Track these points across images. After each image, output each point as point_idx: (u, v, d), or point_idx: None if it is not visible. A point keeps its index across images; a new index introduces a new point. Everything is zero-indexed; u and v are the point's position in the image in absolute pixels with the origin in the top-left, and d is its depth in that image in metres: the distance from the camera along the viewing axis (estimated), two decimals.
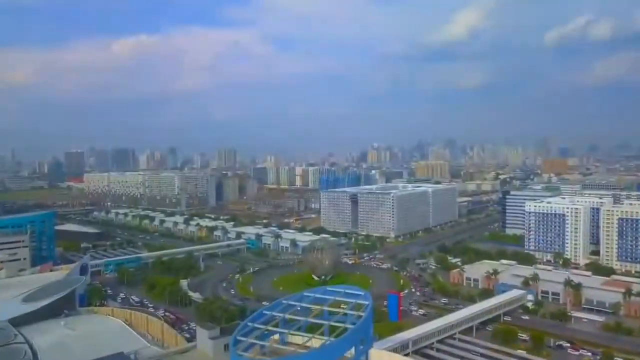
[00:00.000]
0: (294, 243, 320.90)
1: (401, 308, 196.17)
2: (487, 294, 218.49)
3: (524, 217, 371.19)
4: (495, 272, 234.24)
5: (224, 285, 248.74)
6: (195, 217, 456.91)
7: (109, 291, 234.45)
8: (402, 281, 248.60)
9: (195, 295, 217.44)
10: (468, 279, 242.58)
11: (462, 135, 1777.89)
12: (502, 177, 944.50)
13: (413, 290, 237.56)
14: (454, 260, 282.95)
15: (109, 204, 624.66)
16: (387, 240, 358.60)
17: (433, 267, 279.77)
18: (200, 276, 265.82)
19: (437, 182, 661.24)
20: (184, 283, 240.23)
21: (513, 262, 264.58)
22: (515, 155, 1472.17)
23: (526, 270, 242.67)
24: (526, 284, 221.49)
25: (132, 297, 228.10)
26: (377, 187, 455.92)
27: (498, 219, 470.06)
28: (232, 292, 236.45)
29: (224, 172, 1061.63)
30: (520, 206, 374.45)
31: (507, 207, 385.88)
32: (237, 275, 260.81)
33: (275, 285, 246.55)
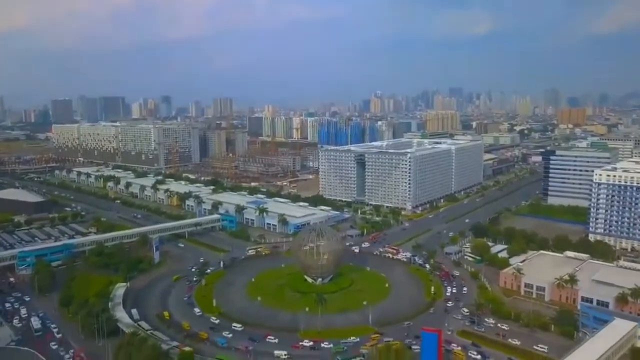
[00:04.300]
0: (283, 221, 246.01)
1: (442, 349, 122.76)
2: (565, 317, 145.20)
3: (572, 185, 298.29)
4: (572, 280, 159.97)
5: (179, 292, 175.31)
6: (169, 179, 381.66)
7: (6, 305, 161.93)
8: (432, 286, 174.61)
9: (125, 321, 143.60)
10: (529, 286, 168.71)
11: (468, 84, 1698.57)
12: (517, 128, 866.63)
13: (449, 301, 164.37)
14: (497, 249, 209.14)
15: (80, 159, 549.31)
16: (403, 213, 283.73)
17: (470, 258, 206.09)
18: (150, 273, 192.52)
19: (451, 135, 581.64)
20: (119, 290, 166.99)
21: (584, 256, 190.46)
22: (524, 104, 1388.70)
23: (611, 273, 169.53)
24: (623, 301, 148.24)
25: (39, 314, 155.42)
26: (388, 144, 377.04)
27: (531, 181, 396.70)
28: (188, 307, 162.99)
29: (218, 122, 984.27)
30: (568, 170, 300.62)
31: (550, 171, 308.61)
32: (200, 278, 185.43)
33: (252, 293, 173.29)
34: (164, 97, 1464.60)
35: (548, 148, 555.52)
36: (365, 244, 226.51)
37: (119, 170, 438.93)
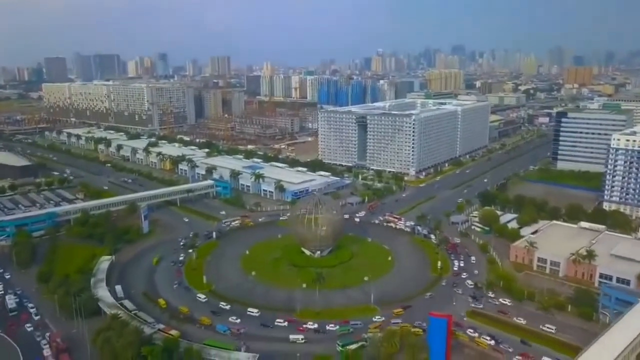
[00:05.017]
0: (280, 187, 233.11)
1: (451, 336, 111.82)
2: (583, 296, 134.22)
3: (584, 149, 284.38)
4: (591, 255, 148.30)
5: (168, 265, 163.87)
6: (163, 141, 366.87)
7: None
8: (438, 260, 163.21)
9: (107, 300, 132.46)
10: (542, 260, 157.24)
11: (470, 42, 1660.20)
12: (522, 88, 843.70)
13: (457, 277, 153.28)
14: (506, 219, 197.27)
15: (72, 120, 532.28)
16: (406, 179, 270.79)
17: (478, 228, 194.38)
18: (137, 245, 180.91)
19: (455, 96, 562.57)
20: (104, 264, 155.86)
21: (600, 227, 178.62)
22: (528, 63, 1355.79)
23: (631, 246, 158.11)
24: None
25: (16, 291, 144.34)
26: (391, 105, 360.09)
27: (538, 144, 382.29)
28: (177, 283, 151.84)
29: (216, 80, 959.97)
30: (580, 133, 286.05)
31: (561, 134, 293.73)
32: (191, 250, 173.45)
33: (247, 267, 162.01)
34: (160, 55, 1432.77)
35: (555, 109, 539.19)
36: (361, 214, 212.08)
37: (112, 131, 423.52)
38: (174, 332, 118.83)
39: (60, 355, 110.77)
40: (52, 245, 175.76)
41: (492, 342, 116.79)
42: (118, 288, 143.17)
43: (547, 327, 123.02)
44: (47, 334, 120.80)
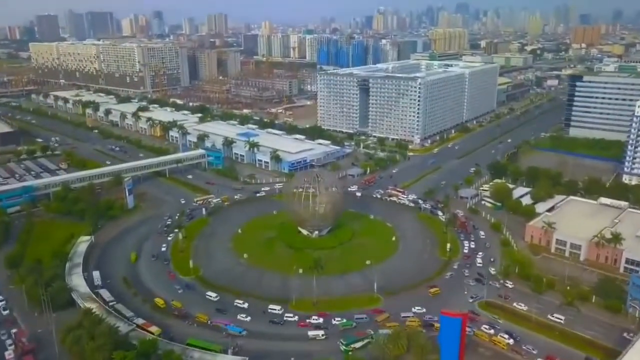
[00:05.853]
0: (276, 158, 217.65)
1: (465, 337, 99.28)
2: (609, 286, 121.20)
3: (599, 115, 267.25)
4: (617, 238, 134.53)
5: (154, 246, 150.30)
6: (154, 105, 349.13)
7: None
8: (446, 240, 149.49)
9: (82, 290, 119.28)
10: (561, 242, 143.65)
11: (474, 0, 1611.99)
12: (528, 48, 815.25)
13: (466, 261, 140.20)
14: (519, 193, 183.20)
15: (62, 82, 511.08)
16: (410, 147, 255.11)
17: (489, 204, 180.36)
18: (121, 222, 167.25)
19: (460, 56, 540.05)
20: (82, 245, 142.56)
21: (622, 204, 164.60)
22: (534, 22, 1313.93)
23: None
24: None
25: None
26: (394, 67, 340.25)
27: (548, 108, 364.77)
28: (164, 265, 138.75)
29: (212, 39, 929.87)
30: (596, 98, 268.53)
31: (576, 99, 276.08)
32: (178, 230, 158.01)
33: (238, 248, 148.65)
34: (156, 13, 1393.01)
35: (564, 71, 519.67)
36: (353, 187, 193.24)
37: (101, 94, 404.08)
38: (154, 328, 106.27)
39: (24, 358, 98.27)
40: (28, 223, 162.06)
41: (511, 341, 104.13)
42: (96, 274, 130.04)
43: (556, 317, 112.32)
44: (14, 331, 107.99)
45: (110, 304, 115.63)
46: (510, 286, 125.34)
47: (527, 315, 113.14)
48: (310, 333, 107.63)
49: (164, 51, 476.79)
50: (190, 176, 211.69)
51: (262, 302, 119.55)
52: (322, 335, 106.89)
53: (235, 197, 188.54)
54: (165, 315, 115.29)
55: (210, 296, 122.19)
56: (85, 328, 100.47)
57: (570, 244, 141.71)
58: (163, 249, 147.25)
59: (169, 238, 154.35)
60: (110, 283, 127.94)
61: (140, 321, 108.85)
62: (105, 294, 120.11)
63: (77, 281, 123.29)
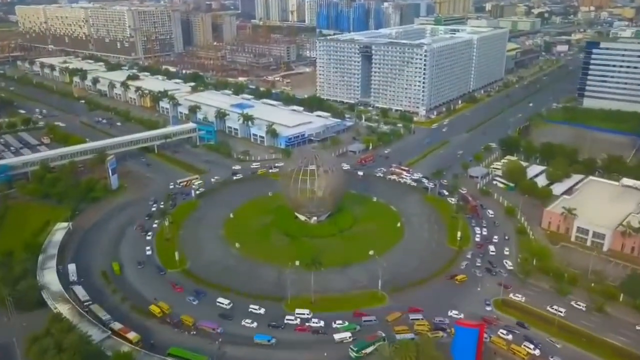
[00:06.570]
0: (272, 132, 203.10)
1: (482, 347, 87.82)
2: (637, 283, 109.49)
3: (616, 84, 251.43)
4: None
5: (135, 234, 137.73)
6: (145, 73, 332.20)
7: None
8: (457, 227, 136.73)
9: (54, 288, 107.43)
10: (582, 231, 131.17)
11: None
12: (535, 11, 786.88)
13: (479, 252, 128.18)
14: (533, 172, 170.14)
15: (50, 47, 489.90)
16: (415, 119, 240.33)
17: (501, 184, 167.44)
18: (103, 205, 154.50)
19: (466, 20, 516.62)
20: (58, 234, 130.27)
21: None
22: None
23: None
24: None
25: None
26: (398, 31, 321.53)
27: (559, 76, 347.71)
28: (146, 257, 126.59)
29: (208, 2, 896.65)
30: (614, 66, 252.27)
31: (591, 67, 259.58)
32: (163, 218, 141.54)
33: (230, 236, 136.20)
34: None
35: (574, 35, 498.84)
36: (345, 166, 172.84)
37: (90, 61, 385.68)
38: (132, 335, 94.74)
39: None
40: (4, 207, 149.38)
41: (537, 352, 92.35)
42: (72, 268, 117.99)
43: (555, 309, 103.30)
44: None
45: (86, 304, 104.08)
46: (529, 283, 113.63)
47: (549, 318, 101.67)
48: (337, 337, 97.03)
49: (156, 15, 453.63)
50: (177, 153, 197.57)
51: (254, 301, 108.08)
52: (349, 337, 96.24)
53: (234, 177, 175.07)
54: (145, 317, 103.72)
55: (222, 303, 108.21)
56: (53, 336, 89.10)
57: (592, 233, 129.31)
58: (148, 252, 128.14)
59: (149, 237, 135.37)
60: (87, 278, 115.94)
61: (117, 326, 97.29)
62: (80, 292, 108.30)
63: (49, 277, 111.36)
